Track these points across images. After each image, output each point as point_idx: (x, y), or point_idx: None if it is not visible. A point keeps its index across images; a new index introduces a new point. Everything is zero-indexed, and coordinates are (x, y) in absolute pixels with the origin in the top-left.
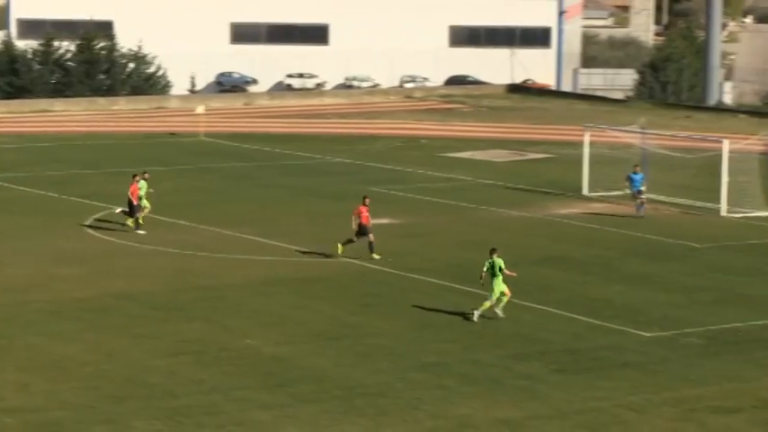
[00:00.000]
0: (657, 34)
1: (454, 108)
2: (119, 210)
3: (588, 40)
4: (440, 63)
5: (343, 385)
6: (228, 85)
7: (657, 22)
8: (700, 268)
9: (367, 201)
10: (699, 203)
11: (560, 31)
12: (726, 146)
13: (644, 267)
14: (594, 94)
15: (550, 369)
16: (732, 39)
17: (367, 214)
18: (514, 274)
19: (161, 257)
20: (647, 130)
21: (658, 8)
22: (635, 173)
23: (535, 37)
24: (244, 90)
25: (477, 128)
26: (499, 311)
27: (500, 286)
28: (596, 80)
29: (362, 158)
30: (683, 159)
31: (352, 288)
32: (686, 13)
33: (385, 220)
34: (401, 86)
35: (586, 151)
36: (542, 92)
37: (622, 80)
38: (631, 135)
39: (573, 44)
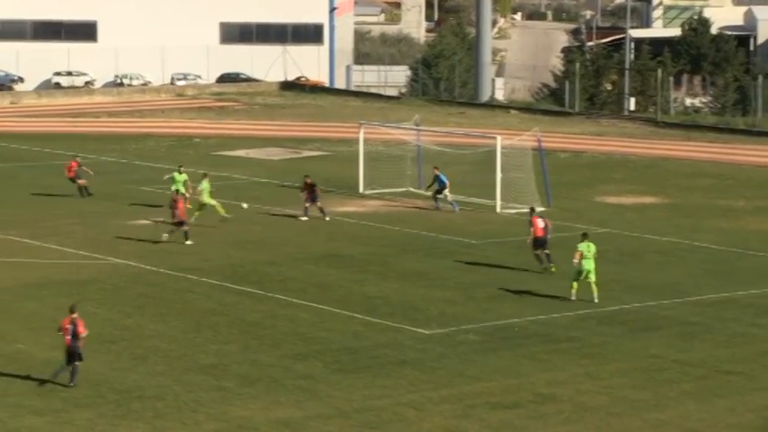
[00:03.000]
0: (429, 31)
1: (227, 106)
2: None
3: (361, 36)
4: (211, 60)
5: (120, 389)
6: None
7: (428, 18)
8: (476, 264)
9: (539, 218)
10: (474, 200)
11: (332, 28)
12: (499, 142)
13: (420, 264)
14: (368, 90)
15: (330, 368)
16: (502, 35)
17: (542, 225)
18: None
19: None
20: (421, 127)
21: (429, 5)
22: (439, 173)
23: (307, 33)
24: (10, 88)
25: (251, 126)
26: (595, 295)
27: (590, 265)
28: (370, 77)
29: (134, 157)
30: (458, 155)
31: (126, 290)
32: (456, 9)
33: (159, 220)
34: (172, 84)
35: (361, 148)
36: (316, 89)
37: (396, 77)
38: (406, 132)
39: (345, 41)
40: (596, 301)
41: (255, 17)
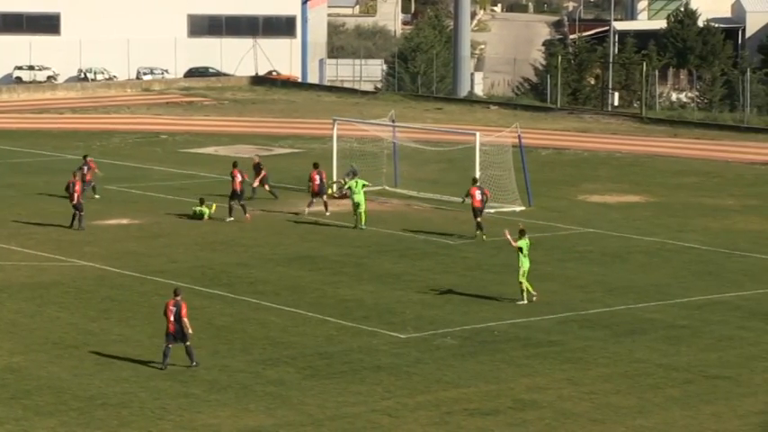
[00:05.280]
0: (405, 23)
1: (195, 101)
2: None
3: (335, 29)
4: (179, 54)
5: (83, 396)
6: None
7: (405, 10)
8: (454, 266)
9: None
10: (452, 198)
11: (305, 20)
12: (478, 139)
13: (396, 266)
14: (342, 85)
15: (302, 374)
16: (482, 28)
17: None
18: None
19: None
20: (397, 123)
21: None
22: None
23: (279, 26)
24: None
25: (221, 122)
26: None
27: (525, 265)
28: (344, 71)
29: (99, 155)
30: (435, 153)
31: (90, 293)
32: (434, 1)
33: (124, 221)
34: (138, 79)
35: (335, 146)
36: (288, 84)
37: (371, 71)
38: (381, 128)
39: (319, 33)
40: (523, 302)
41: (225, 9)
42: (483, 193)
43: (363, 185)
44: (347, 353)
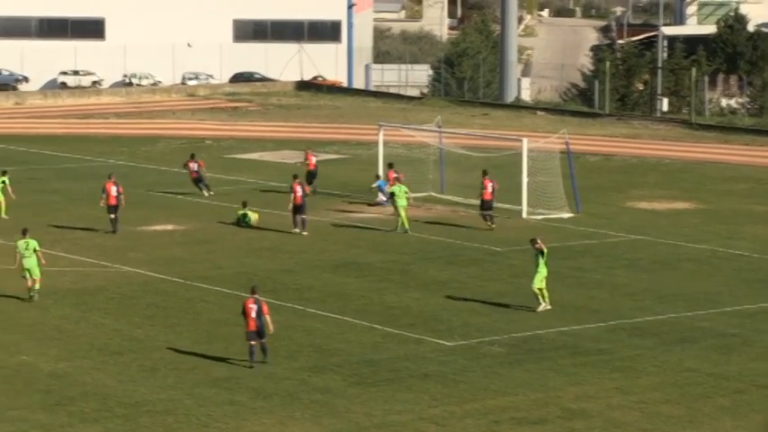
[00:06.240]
0: (452, 28)
1: (240, 107)
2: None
3: (380, 34)
4: (224, 59)
5: (128, 403)
6: None
7: (451, 15)
8: (501, 273)
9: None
10: (499, 205)
11: (350, 25)
12: (525, 145)
13: (443, 273)
14: (388, 90)
15: (348, 381)
16: (529, 33)
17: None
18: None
19: None
20: (443, 129)
21: (452, 1)
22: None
23: (324, 31)
24: (14, 88)
25: (266, 127)
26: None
27: (543, 272)
28: (390, 76)
29: (144, 160)
30: (482, 159)
31: (135, 299)
32: (481, 6)
33: (169, 227)
34: (184, 84)
35: (381, 151)
36: (333, 89)
37: (417, 76)
38: (427, 134)
39: (364, 38)
40: (539, 310)
41: (270, 14)
42: (493, 186)
43: (405, 192)
44: (393, 360)
